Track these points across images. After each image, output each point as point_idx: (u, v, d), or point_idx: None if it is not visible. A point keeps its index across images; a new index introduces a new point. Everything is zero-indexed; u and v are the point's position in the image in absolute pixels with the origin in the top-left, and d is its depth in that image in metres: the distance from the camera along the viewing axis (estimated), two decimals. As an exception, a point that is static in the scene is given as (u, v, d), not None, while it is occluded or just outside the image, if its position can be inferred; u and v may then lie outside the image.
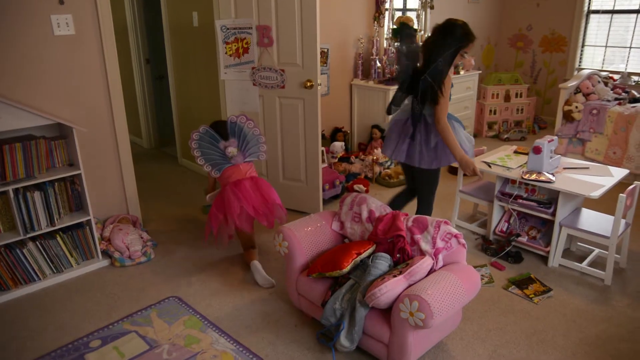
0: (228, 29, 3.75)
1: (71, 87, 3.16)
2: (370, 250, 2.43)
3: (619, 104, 4.93)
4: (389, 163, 4.74)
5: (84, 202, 3.13)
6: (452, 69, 2.79)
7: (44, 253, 3.01)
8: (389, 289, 2.11)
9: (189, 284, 3.05)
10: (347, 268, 2.35)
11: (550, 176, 3.11)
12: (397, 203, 3.18)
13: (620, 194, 2.85)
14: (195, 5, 4.27)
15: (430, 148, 2.81)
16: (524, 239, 3.33)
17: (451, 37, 2.68)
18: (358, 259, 2.39)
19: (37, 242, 2.98)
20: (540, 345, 2.49)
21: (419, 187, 3.05)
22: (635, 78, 5.93)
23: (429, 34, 2.83)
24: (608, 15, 6.12)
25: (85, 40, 3.16)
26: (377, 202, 2.66)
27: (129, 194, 3.60)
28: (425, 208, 3.06)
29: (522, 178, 3.14)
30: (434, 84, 2.66)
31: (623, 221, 3.02)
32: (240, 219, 3.07)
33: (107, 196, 3.50)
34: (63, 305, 2.84)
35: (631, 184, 3.05)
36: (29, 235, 2.90)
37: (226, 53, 3.81)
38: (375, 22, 5.01)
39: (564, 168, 3.31)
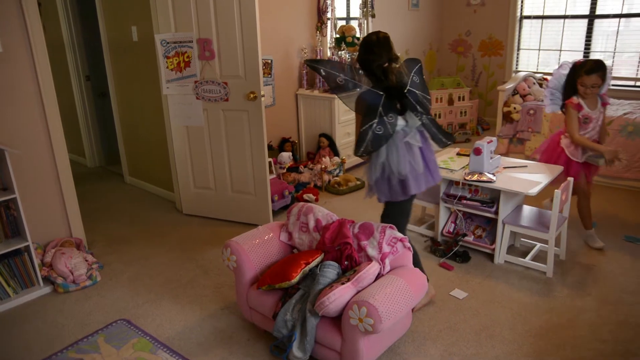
0: (168, 43, 3.70)
1: (1, 108, 3.02)
2: (318, 259, 2.44)
3: (554, 103, 5.16)
4: (337, 171, 4.78)
5: (21, 227, 2.99)
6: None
7: (-22, 284, 2.86)
8: (337, 297, 2.12)
9: (137, 305, 2.97)
10: (296, 278, 2.35)
11: (491, 176, 3.22)
12: None
13: (556, 190, 2.99)
14: (134, 20, 4.19)
15: (382, 181, 2.58)
16: (470, 238, 3.42)
17: (385, 49, 2.48)
18: (307, 268, 2.39)
19: (-29, 273, 2.83)
20: (489, 341, 2.56)
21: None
22: (568, 78, 6.23)
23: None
24: (539, 21, 6.43)
25: (15, 57, 3.04)
26: (323, 211, 2.68)
27: (72, 215, 3.47)
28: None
29: (465, 179, 3.24)
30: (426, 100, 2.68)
31: (560, 215, 3.16)
32: None
33: (47, 219, 3.35)
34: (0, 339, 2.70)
35: (565, 180, 3.20)
36: (-39, 266, 2.75)
37: (167, 67, 3.76)
38: (318, 31, 5.07)
39: (504, 167, 3.44)
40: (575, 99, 3.39)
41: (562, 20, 6.21)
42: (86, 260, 3.29)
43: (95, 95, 5.44)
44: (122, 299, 3.04)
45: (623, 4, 5.69)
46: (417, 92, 2.53)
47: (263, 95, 3.58)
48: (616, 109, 4.88)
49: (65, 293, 3.10)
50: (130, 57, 4.41)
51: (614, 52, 5.91)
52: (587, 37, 6.03)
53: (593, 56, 6.08)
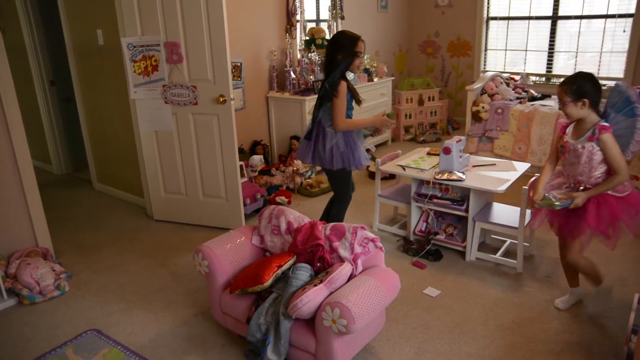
0: (135, 46, 3.64)
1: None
2: (290, 262, 2.43)
3: (520, 102, 5.29)
4: (309, 173, 4.78)
5: (-16, 238, 2.90)
6: (351, 74, 3.13)
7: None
8: (310, 299, 2.12)
9: (108, 314, 2.90)
10: (269, 282, 2.34)
11: (461, 175, 3.26)
12: (325, 210, 3.37)
13: (524, 187, 3.05)
14: (99, 23, 4.11)
15: (327, 150, 3.02)
16: (442, 236, 3.46)
17: (333, 45, 2.99)
18: (279, 271, 2.38)
19: None
20: (462, 337, 2.60)
21: (332, 188, 3.28)
22: (534, 78, 6.39)
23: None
24: (505, 22, 6.57)
25: (-26, 64, 2.94)
26: (295, 213, 2.67)
27: (37, 224, 3.37)
28: (337, 208, 3.27)
29: (435, 178, 3.28)
30: (329, 90, 2.94)
31: (528, 211, 3.22)
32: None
33: (11, 230, 3.25)
34: (-37, 354, 2.61)
35: (533, 177, 3.26)
36: None
37: (135, 72, 3.70)
38: (287, 34, 5.06)
39: (474, 166, 3.50)
40: (562, 120, 2.72)
41: (527, 21, 6.36)
42: (53, 270, 3.20)
43: (60, 100, 5.30)
44: (92, 308, 2.96)
45: (583, 6, 5.86)
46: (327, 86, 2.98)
47: (233, 99, 3.55)
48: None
49: (31, 305, 3.00)
50: (96, 61, 4.32)
51: (577, 52, 6.08)
52: (551, 37, 6.19)
53: (557, 55, 6.25)
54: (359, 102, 3.10)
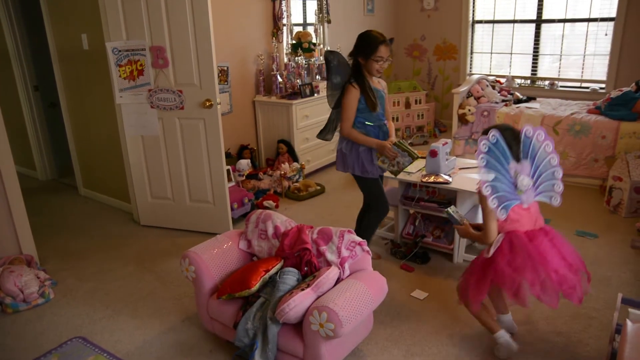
0: (120, 51, 3.61)
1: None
2: (278, 266, 2.43)
3: (506, 105, 5.35)
4: (297, 177, 4.78)
5: (-34, 246, 2.85)
6: (374, 81, 2.99)
7: None
8: (297, 303, 2.11)
9: (94, 321, 2.87)
10: (256, 286, 2.33)
11: (447, 177, 3.28)
12: (357, 220, 3.27)
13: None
14: (83, 28, 4.07)
15: (348, 155, 2.99)
16: (429, 239, 3.48)
17: (356, 45, 2.90)
18: (266, 276, 2.38)
19: None
20: (450, 339, 2.61)
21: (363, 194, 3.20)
22: (519, 81, 6.46)
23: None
24: (491, 25, 6.64)
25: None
26: (282, 217, 2.67)
27: (21, 231, 3.33)
28: (370, 217, 3.16)
29: (422, 181, 3.30)
30: (341, 93, 2.90)
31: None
32: (536, 288, 2.22)
33: (-5, 237, 3.21)
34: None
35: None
36: None
37: (120, 76, 3.67)
38: (274, 38, 5.07)
39: (460, 168, 3.51)
40: None
41: (511, 24, 6.44)
42: (38, 278, 3.16)
43: (45, 106, 5.25)
44: (78, 316, 2.93)
45: (566, 10, 5.94)
46: None
47: (219, 103, 3.54)
48: (564, 109, 5.08)
49: (14, 313, 2.96)
50: (81, 65, 4.28)
51: (561, 55, 6.16)
52: (535, 40, 6.27)
53: (541, 58, 6.33)
54: (372, 108, 2.92)
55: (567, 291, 2.21)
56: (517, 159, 2.22)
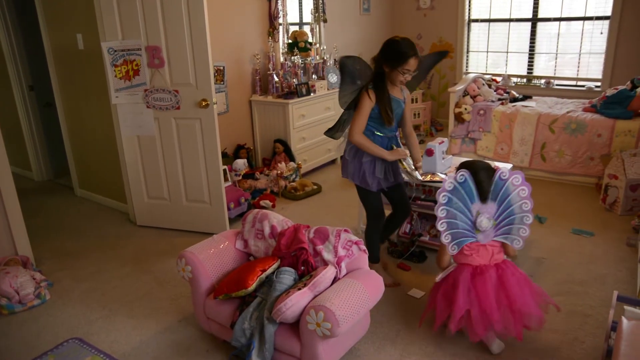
0: (116, 51, 3.60)
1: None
2: (274, 266, 2.43)
3: (502, 103, 5.35)
4: (294, 176, 4.78)
5: (-39, 247, 2.84)
6: (396, 90, 2.83)
7: None
8: (294, 303, 2.11)
9: (90, 322, 2.86)
10: (253, 286, 2.33)
11: (443, 176, 3.28)
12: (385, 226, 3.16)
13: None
14: (79, 27, 4.06)
15: (350, 162, 2.88)
16: (426, 238, 3.49)
17: (383, 52, 2.71)
18: (263, 275, 2.37)
19: None
20: (447, 338, 2.60)
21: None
22: (515, 79, 6.47)
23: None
24: (487, 24, 6.65)
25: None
26: (278, 217, 2.66)
27: (16, 232, 3.32)
28: (367, 227, 3.08)
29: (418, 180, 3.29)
30: (357, 97, 2.76)
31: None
32: (467, 320, 2.37)
33: (-10, 238, 3.20)
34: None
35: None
36: None
37: (116, 76, 3.66)
38: (270, 37, 5.06)
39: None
40: None
41: (507, 23, 6.44)
42: (34, 279, 3.15)
43: (40, 106, 5.23)
44: (74, 316, 2.92)
45: (562, 8, 5.95)
46: None
47: (215, 103, 3.54)
48: (560, 107, 5.09)
49: (10, 314, 2.95)
50: (76, 65, 4.27)
51: (557, 54, 6.17)
52: (531, 39, 6.28)
53: (537, 57, 6.34)
54: (386, 122, 2.78)
55: (496, 325, 2.31)
56: (484, 199, 2.36)
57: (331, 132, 3.02)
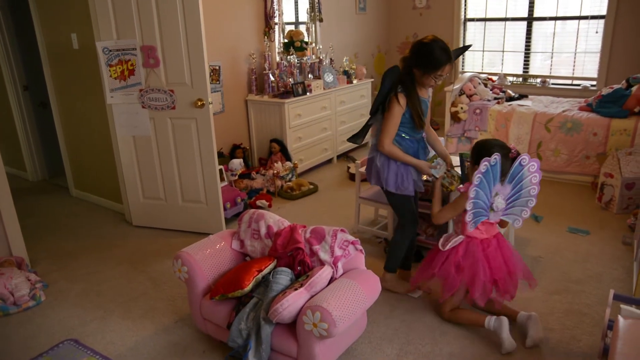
0: (110, 50, 3.59)
1: None
2: (271, 266, 2.42)
3: (498, 102, 5.35)
4: (290, 176, 4.77)
5: (-45, 248, 2.82)
6: (423, 91, 2.74)
7: None
8: (291, 303, 2.11)
9: (86, 323, 2.85)
10: (249, 286, 2.32)
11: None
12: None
13: (501, 186, 3.08)
14: (73, 27, 4.04)
15: (383, 169, 2.76)
16: (422, 237, 3.48)
17: (417, 55, 2.60)
18: (259, 276, 2.37)
19: None
20: (443, 337, 2.61)
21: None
22: (511, 78, 6.48)
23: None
24: (482, 23, 6.65)
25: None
26: (274, 217, 2.66)
27: (11, 233, 3.30)
28: (397, 234, 2.97)
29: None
30: (386, 102, 2.64)
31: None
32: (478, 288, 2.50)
33: (-16, 239, 3.18)
34: None
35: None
36: None
37: (111, 76, 3.64)
38: (266, 36, 5.05)
39: (453, 166, 3.51)
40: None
41: (503, 22, 6.46)
42: (29, 280, 3.14)
43: (35, 106, 5.20)
44: (69, 318, 2.91)
45: (557, 8, 5.97)
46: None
47: (211, 102, 3.52)
48: (556, 106, 5.10)
49: (5, 316, 2.93)
50: (71, 65, 4.25)
51: (552, 53, 6.19)
52: (527, 38, 6.29)
53: (533, 56, 6.35)
54: (418, 126, 2.69)
55: (501, 292, 2.54)
56: (502, 181, 2.45)
57: (354, 139, 2.94)
